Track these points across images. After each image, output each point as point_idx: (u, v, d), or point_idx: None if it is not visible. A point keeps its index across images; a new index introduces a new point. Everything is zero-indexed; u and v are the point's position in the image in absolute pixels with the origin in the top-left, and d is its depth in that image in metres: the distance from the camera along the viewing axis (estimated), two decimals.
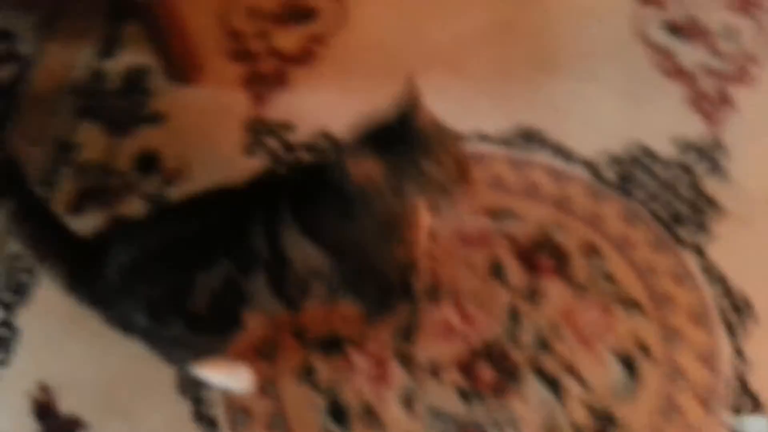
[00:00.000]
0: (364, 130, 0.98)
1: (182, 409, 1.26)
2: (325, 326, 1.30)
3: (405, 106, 0.98)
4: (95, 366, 1.32)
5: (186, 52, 1.58)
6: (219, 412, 1.26)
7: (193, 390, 1.27)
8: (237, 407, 1.26)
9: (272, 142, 1.52)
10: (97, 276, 0.99)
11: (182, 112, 1.58)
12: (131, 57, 1.67)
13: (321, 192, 1.00)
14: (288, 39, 1.68)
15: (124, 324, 1.05)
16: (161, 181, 1.49)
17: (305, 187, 1.02)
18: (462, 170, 0.99)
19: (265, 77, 1.62)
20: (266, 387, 1.27)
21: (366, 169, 0.95)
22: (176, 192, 1.46)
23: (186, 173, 1.49)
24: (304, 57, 1.65)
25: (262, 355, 1.29)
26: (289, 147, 1.52)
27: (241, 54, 1.67)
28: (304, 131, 1.54)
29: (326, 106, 1.57)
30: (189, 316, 1.03)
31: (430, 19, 1.70)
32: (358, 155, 0.95)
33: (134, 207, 1.45)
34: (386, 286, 1.17)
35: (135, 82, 1.63)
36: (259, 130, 1.54)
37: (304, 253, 1.02)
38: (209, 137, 1.54)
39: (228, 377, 1.26)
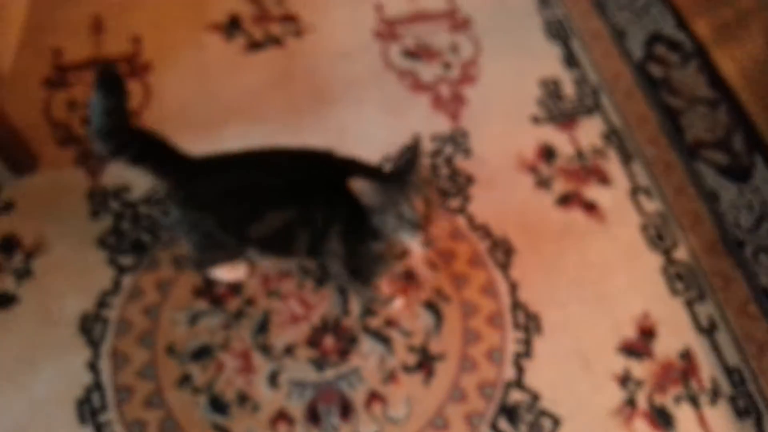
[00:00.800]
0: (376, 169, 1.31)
1: None
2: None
3: (408, 156, 1.23)
4: (1, 417, 1.46)
5: (20, 147, 1.74)
6: (117, 430, 1.44)
7: (91, 418, 1.45)
8: (132, 422, 1.45)
9: (114, 204, 1.73)
10: (188, 187, 1.31)
11: (29, 197, 1.74)
12: None
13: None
14: None
15: (191, 228, 1.38)
16: (24, 256, 1.65)
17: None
18: (427, 217, 1.22)
19: (94, 154, 1.80)
20: (153, 400, 1.47)
21: (359, 188, 1.19)
22: (38, 264, 1.65)
23: (44, 246, 1.66)
24: None
25: None
26: (128, 204, 1.73)
27: (70, 139, 1.84)
28: (138, 189, 1.74)
29: None
30: (246, 237, 1.37)
31: (222, 81, 1.95)
32: (360, 179, 1.19)
33: (7, 283, 1.62)
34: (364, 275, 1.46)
35: None
36: (99, 197, 1.73)
37: (336, 240, 1.33)
38: (57, 212, 1.71)
39: (230, 273, 1.58)
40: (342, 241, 1.35)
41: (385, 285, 1.59)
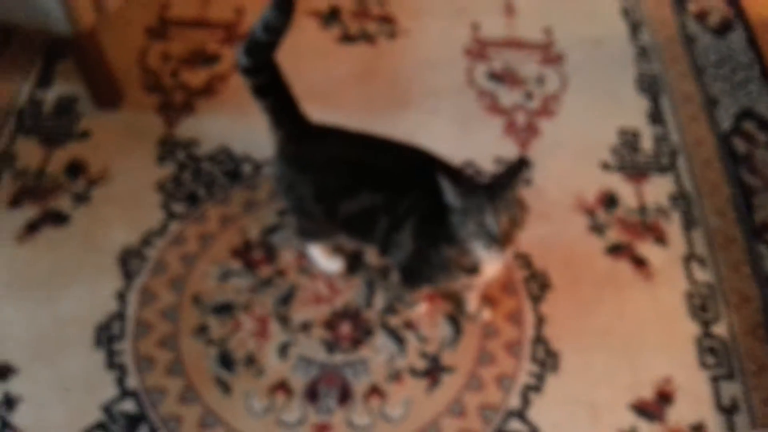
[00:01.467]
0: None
1: (98, 358, 1.49)
2: None
3: (509, 171, 1.20)
4: (25, 323, 1.54)
5: (109, 83, 1.84)
6: (127, 360, 1.49)
7: (106, 343, 1.51)
8: (142, 356, 1.50)
9: (180, 154, 1.81)
10: (298, 147, 1.36)
11: (106, 131, 1.83)
12: (64, 87, 1.91)
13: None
14: (195, 77, 1.97)
15: (288, 187, 1.42)
16: (86, 183, 1.74)
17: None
18: (509, 236, 1.18)
19: (175, 105, 1.89)
20: (167, 342, 1.52)
21: (445, 185, 1.18)
22: (97, 193, 1.73)
23: (107, 178, 1.75)
24: (207, 90, 1.94)
25: None
26: (194, 158, 1.80)
27: (156, 87, 1.93)
28: (207, 146, 1.81)
29: (224, 128, 1.86)
30: (335, 211, 1.38)
31: (310, 64, 2.00)
32: (446, 178, 1.17)
33: (64, 203, 1.71)
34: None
35: (66, 106, 1.88)
36: (169, 145, 1.82)
37: (409, 232, 1.33)
38: (128, 151, 1.80)
39: (326, 261, 1.58)
40: (413, 235, 1.33)
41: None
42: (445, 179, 1.18)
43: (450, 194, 1.19)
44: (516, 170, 1.19)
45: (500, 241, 1.17)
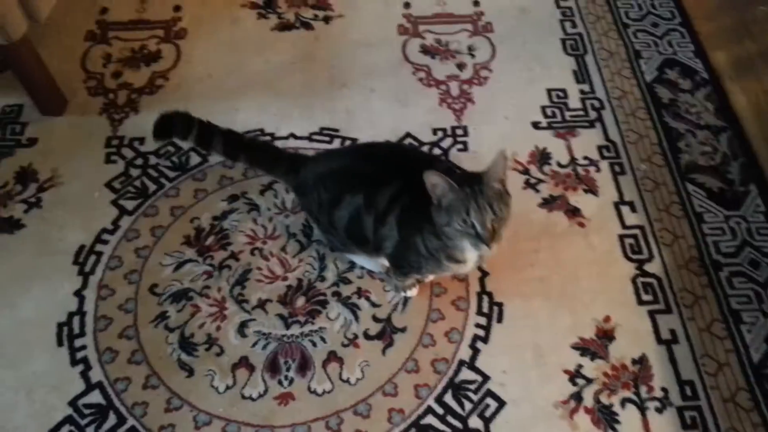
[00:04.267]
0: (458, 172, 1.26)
1: (61, 356, 1.48)
2: None
3: (490, 168, 1.17)
4: None
5: (52, 90, 1.82)
6: (90, 355, 1.49)
7: (68, 341, 1.50)
8: (104, 349, 1.50)
9: (127, 152, 1.79)
10: (297, 176, 1.46)
11: (52, 137, 1.81)
12: (7, 97, 1.88)
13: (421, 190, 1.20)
14: (137, 76, 1.96)
15: (307, 211, 1.57)
16: (37, 189, 1.72)
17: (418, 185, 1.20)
18: (495, 232, 1.16)
19: (119, 106, 1.88)
20: (128, 332, 1.52)
21: (434, 181, 1.15)
22: (48, 197, 1.72)
23: (57, 182, 1.73)
24: (150, 89, 1.93)
25: None
26: (141, 154, 1.79)
27: (100, 89, 1.92)
28: (152, 142, 1.76)
29: None
30: (334, 224, 1.42)
31: (249, 55, 2.01)
32: (436, 173, 1.14)
33: (16, 210, 1.69)
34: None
35: (11, 116, 1.86)
36: (116, 144, 1.81)
37: (393, 224, 1.33)
38: (76, 154, 1.78)
39: (369, 262, 1.59)
40: (398, 227, 1.33)
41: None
42: (433, 177, 1.15)
43: (437, 191, 1.18)
44: (496, 166, 1.17)
45: (487, 239, 1.16)
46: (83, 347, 1.50)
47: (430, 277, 1.55)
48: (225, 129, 1.52)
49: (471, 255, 1.27)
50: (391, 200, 1.31)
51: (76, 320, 1.54)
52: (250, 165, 1.61)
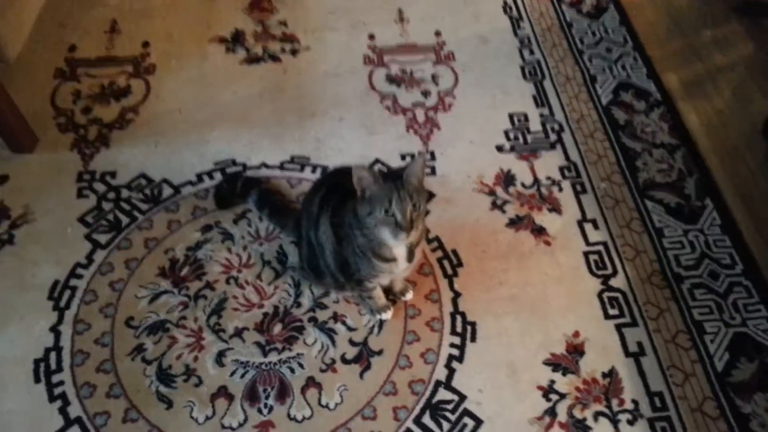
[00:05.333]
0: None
1: (38, 393, 1.46)
2: None
3: (411, 164, 1.25)
4: None
5: (22, 127, 1.81)
6: (68, 390, 1.47)
7: (45, 377, 1.48)
8: (82, 384, 1.48)
9: (99, 186, 1.79)
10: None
11: (24, 174, 1.80)
12: None
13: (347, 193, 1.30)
14: (107, 111, 1.96)
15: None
16: (9, 225, 1.71)
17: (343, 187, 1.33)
18: (413, 222, 1.24)
19: (90, 141, 1.88)
20: (105, 366, 1.50)
21: (359, 173, 1.22)
22: (21, 234, 1.70)
23: (30, 218, 1.72)
24: (120, 123, 1.93)
25: None
26: (113, 188, 1.79)
27: (70, 125, 1.91)
28: (124, 176, 1.80)
29: (140, 156, 1.86)
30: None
31: (218, 88, 2.03)
32: (363, 167, 1.23)
33: None
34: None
35: None
36: (87, 179, 1.80)
37: (326, 227, 1.40)
38: (47, 190, 1.77)
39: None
40: (331, 229, 1.39)
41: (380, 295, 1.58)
42: (359, 170, 1.23)
43: (362, 182, 1.24)
44: (417, 162, 1.24)
45: (406, 228, 1.23)
46: (61, 383, 1.49)
47: (384, 283, 1.56)
48: (263, 188, 1.72)
49: (397, 250, 1.33)
50: (321, 203, 1.41)
51: (52, 356, 1.52)
52: (269, 219, 1.71)
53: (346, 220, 1.35)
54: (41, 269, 1.64)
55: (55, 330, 1.56)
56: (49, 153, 1.87)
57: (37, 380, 1.49)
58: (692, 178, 1.87)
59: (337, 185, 1.39)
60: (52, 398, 1.46)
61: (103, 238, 1.70)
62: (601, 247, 1.72)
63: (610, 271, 1.68)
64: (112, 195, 1.79)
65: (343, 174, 1.30)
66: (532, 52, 2.18)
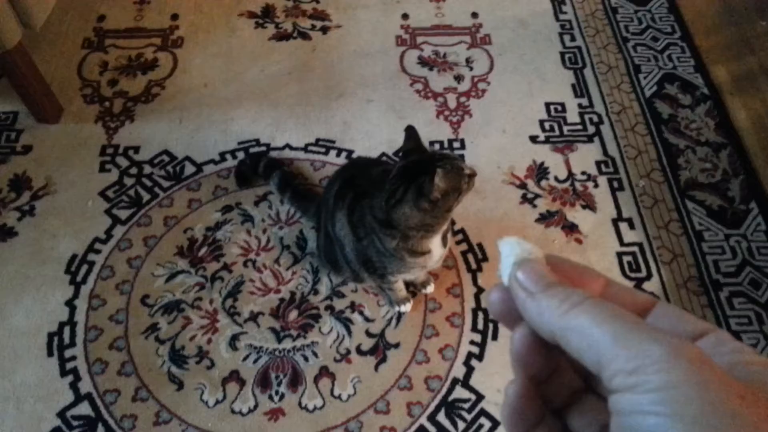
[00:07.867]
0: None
1: (51, 366, 1.46)
2: None
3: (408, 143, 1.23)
4: None
5: (47, 97, 1.80)
6: (80, 365, 1.47)
7: (58, 351, 1.48)
8: (94, 360, 1.48)
9: (122, 161, 1.78)
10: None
11: (47, 145, 1.79)
12: (3, 104, 1.87)
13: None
14: (133, 84, 1.94)
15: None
16: (31, 197, 1.70)
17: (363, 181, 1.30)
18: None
19: (115, 114, 1.87)
20: (118, 343, 1.50)
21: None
22: (41, 205, 1.70)
23: (51, 190, 1.71)
24: (146, 97, 1.91)
25: None
26: (135, 163, 1.77)
27: (95, 97, 1.90)
28: (147, 151, 1.79)
29: (164, 132, 1.83)
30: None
31: (246, 64, 1.99)
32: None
33: (10, 217, 1.67)
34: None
35: (6, 123, 1.84)
36: (111, 153, 1.79)
37: (342, 223, 1.33)
38: (70, 162, 1.76)
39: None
40: (348, 226, 1.32)
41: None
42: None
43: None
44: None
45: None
46: (73, 357, 1.48)
47: (420, 275, 1.51)
48: (286, 170, 1.70)
49: (435, 242, 1.26)
50: (335, 198, 1.33)
51: (66, 330, 1.51)
52: (291, 202, 1.66)
53: (367, 223, 1.26)
54: (60, 242, 1.63)
55: (70, 304, 1.55)
56: (74, 124, 1.86)
57: (50, 354, 1.48)
58: (737, 180, 1.77)
59: (352, 178, 1.32)
60: (63, 373, 1.46)
61: (123, 214, 1.68)
62: (636, 249, 1.64)
63: (644, 273, 1.60)
64: (134, 170, 1.77)
65: (358, 166, 1.24)
66: (573, 38, 2.09)
